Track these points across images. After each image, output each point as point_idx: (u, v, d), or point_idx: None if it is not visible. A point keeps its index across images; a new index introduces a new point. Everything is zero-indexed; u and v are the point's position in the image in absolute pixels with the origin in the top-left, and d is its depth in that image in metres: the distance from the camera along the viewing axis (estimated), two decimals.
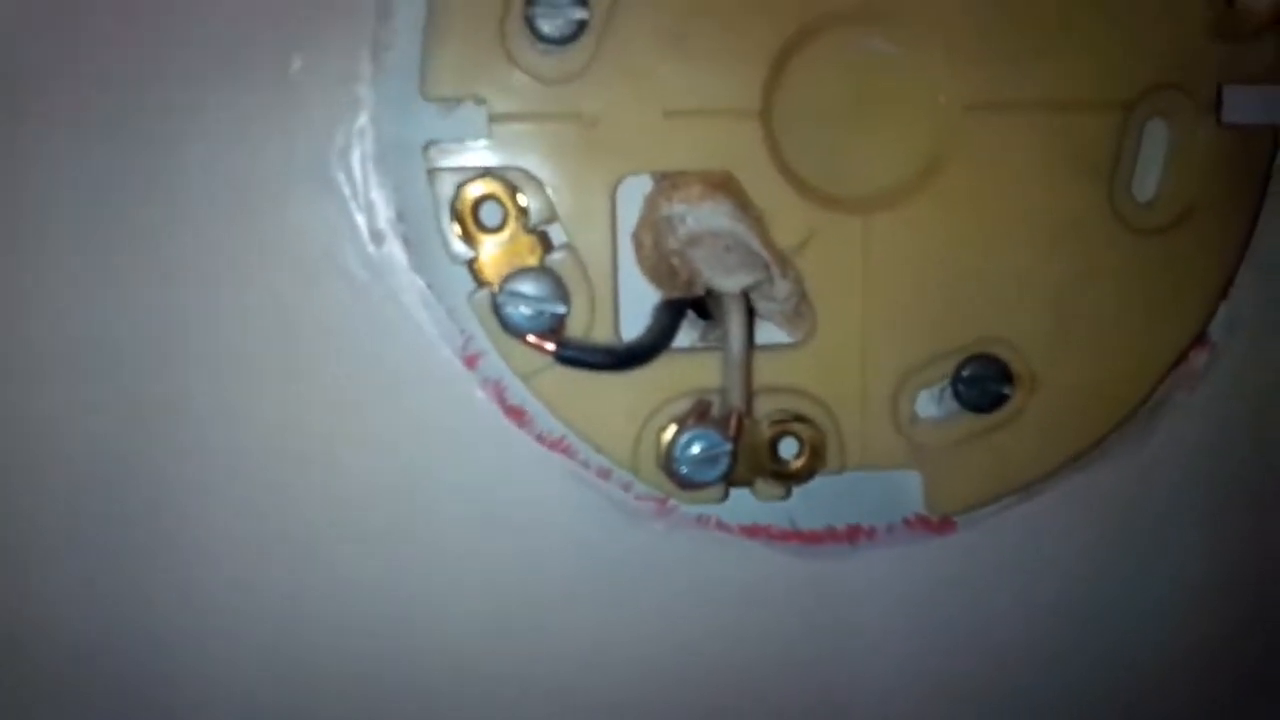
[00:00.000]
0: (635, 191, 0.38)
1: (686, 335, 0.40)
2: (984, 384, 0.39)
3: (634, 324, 0.38)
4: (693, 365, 0.39)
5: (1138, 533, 0.43)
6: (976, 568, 0.42)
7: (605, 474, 0.41)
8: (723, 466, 0.37)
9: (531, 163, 0.37)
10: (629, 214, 0.38)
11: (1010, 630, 0.43)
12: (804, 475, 0.39)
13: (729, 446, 0.37)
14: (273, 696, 0.42)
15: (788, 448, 0.39)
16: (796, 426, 0.39)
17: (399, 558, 0.41)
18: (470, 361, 0.39)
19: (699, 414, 0.38)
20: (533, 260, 0.37)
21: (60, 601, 0.40)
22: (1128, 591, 0.44)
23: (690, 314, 0.40)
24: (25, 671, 0.41)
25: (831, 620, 0.43)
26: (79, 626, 0.41)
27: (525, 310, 0.36)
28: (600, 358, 0.37)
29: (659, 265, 0.38)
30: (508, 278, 0.37)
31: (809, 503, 0.41)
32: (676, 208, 0.37)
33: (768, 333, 0.40)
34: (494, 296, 0.36)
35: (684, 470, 0.37)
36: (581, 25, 0.35)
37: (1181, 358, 0.41)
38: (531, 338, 0.37)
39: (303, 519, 0.40)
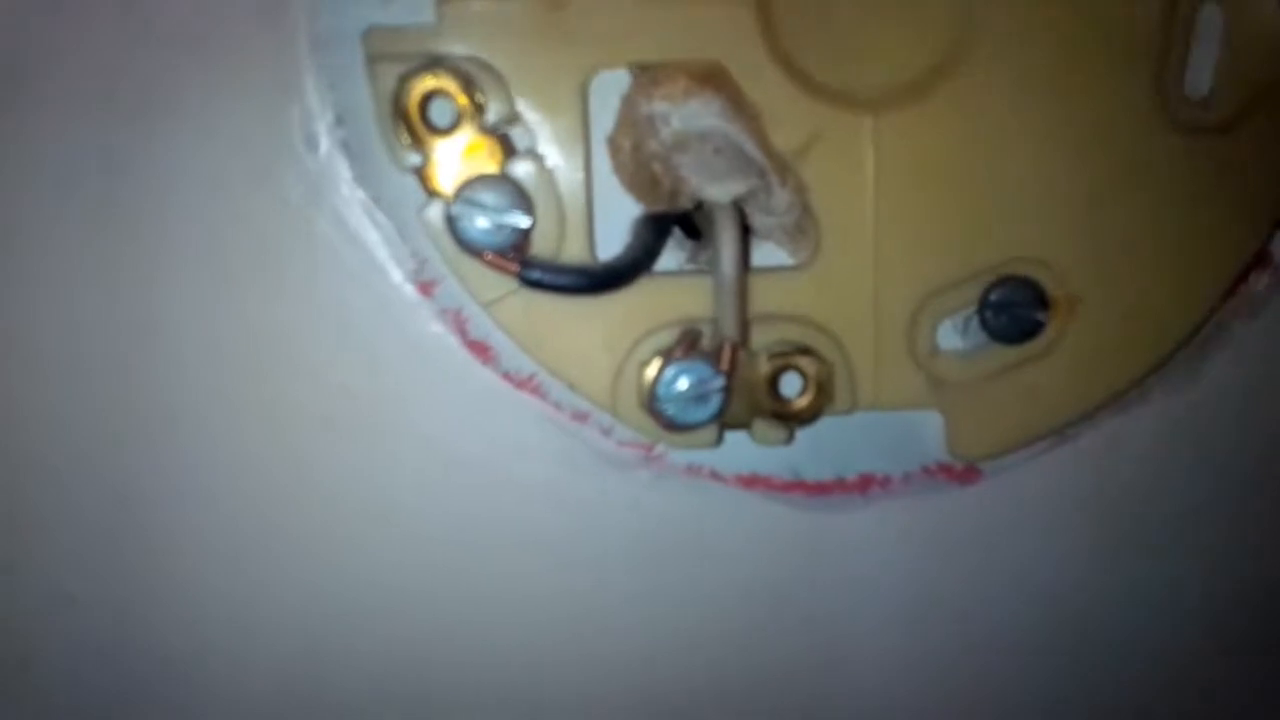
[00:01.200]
0: (611, 88, 0.34)
1: (673, 256, 0.36)
2: (1015, 310, 0.35)
3: (611, 242, 0.34)
4: (679, 290, 0.35)
5: (1186, 480, 0.39)
6: (1005, 521, 0.38)
7: (582, 417, 0.37)
8: (714, 405, 0.33)
9: (489, 51, 0.32)
10: (605, 114, 0.34)
11: (1039, 588, 0.40)
12: (808, 416, 0.35)
13: (722, 382, 0.33)
14: (235, 646, 0.39)
15: (790, 384, 0.35)
16: (799, 360, 0.35)
17: (350, 513, 0.38)
18: (425, 288, 0.36)
19: (687, 345, 0.34)
20: (492, 166, 0.33)
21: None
22: (1171, 548, 0.40)
23: (677, 232, 0.36)
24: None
25: (839, 580, 0.39)
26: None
27: (484, 223, 0.32)
28: (571, 280, 0.33)
29: (639, 173, 0.34)
30: (463, 186, 0.32)
31: (815, 448, 0.37)
32: (658, 105, 0.33)
33: (766, 253, 0.36)
34: (447, 208, 0.32)
35: (670, 410, 0.33)
36: None
37: (1240, 280, 0.37)
38: (491, 256, 0.32)
39: (246, 470, 0.37)
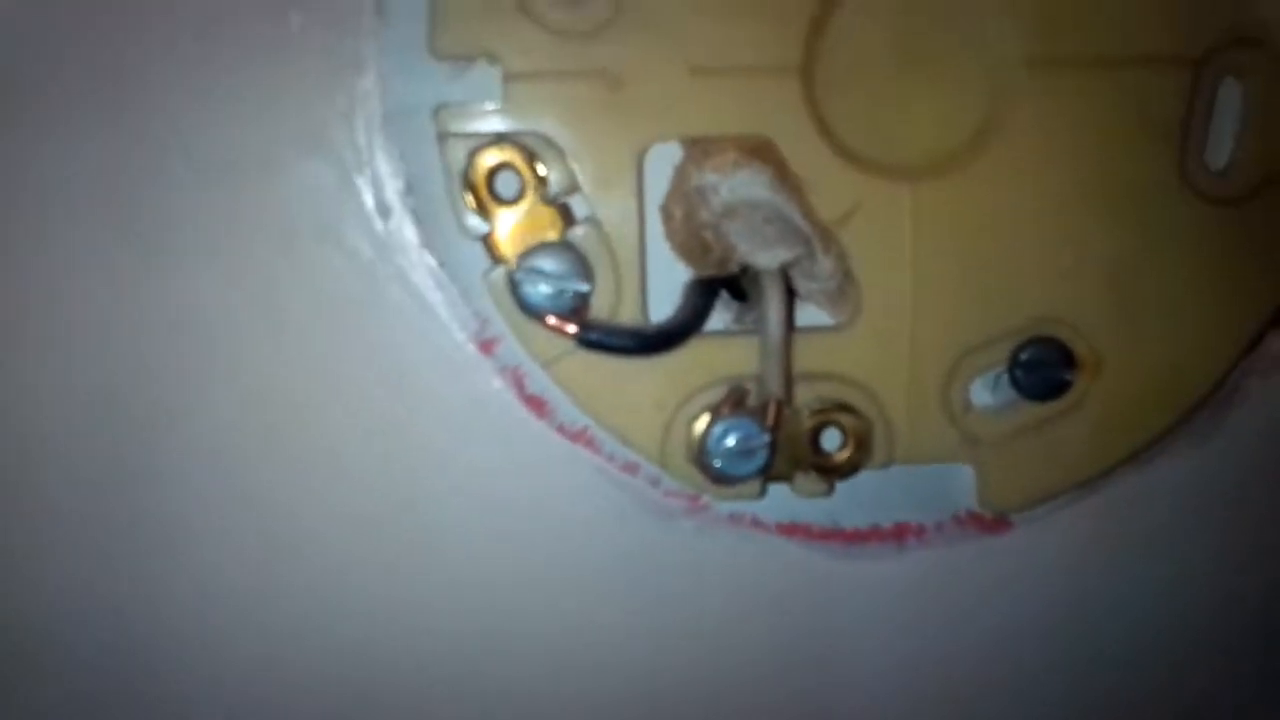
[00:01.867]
0: (665, 160, 0.35)
1: (720, 318, 0.37)
2: (1044, 369, 0.37)
3: (663, 305, 0.36)
4: (727, 350, 0.36)
5: (1208, 531, 0.40)
6: (1033, 569, 0.39)
7: (632, 468, 0.38)
8: (760, 459, 0.34)
9: (550, 127, 0.34)
10: (658, 184, 0.35)
11: (1068, 636, 0.41)
12: (848, 469, 0.37)
13: (767, 438, 0.34)
14: (275, 695, 0.40)
15: (830, 439, 0.37)
16: (840, 416, 0.36)
17: (409, 558, 0.39)
18: (486, 347, 0.37)
19: (734, 402, 0.35)
20: (553, 234, 0.34)
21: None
22: (1194, 595, 0.41)
23: (724, 295, 0.37)
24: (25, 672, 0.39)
25: (876, 625, 0.40)
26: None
27: (545, 289, 0.33)
28: (626, 341, 0.35)
29: (690, 240, 0.35)
30: (525, 253, 0.34)
31: (852, 499, 0.38)
32: (709, 177, 0.34)
33: (808, 315, 0.37)
34: (510, 274, 0.34)
35: (718, 464, 0.34)
36: None
37: (1257, 340, 0.38)
38: (552, 319, 0.34)
39: (305, 517, 0.38)
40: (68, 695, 0.39)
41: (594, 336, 0.34)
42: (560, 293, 0.34)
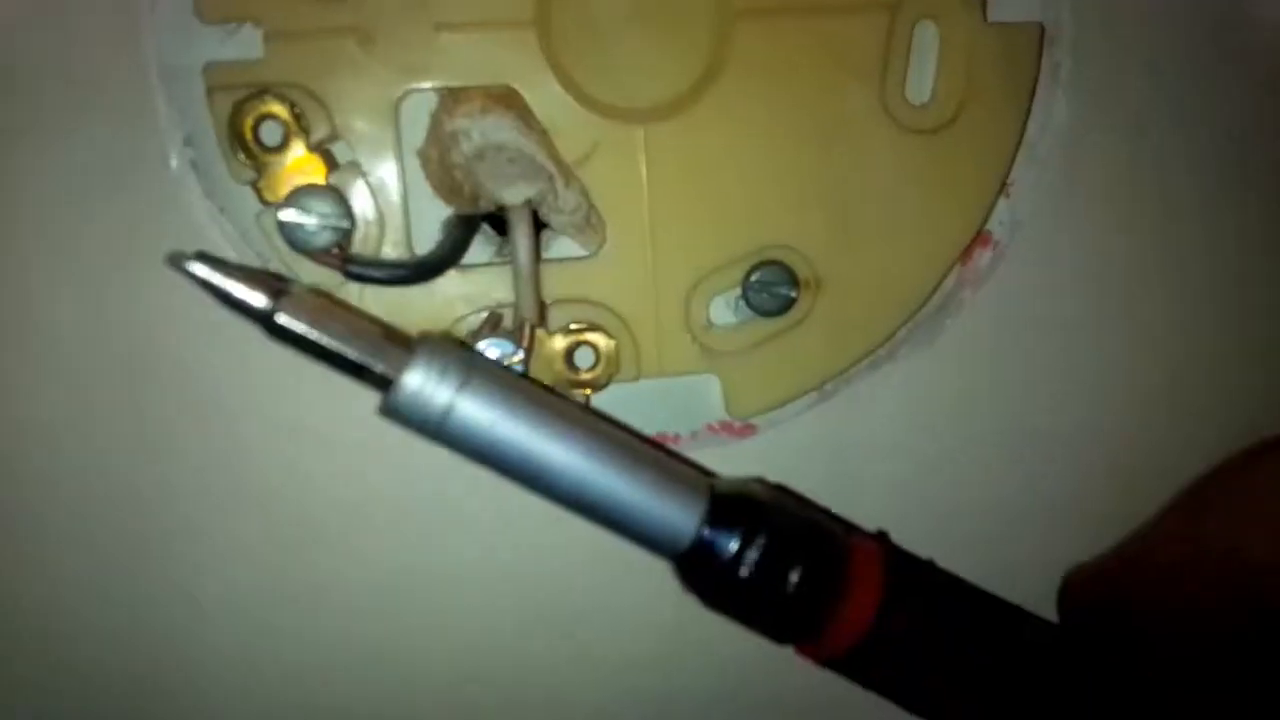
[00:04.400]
0: (421, 107, 0.39)
1: (484, 251, 0.40)
2: (772, 289, 0.41)
3: (426, 240, 0.39)
4: (488, 280, 0.40)
5: (930, 430, 0.45)
6: (778, 469, 0.43)
7: None
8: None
9: (309, 79, 0.37)
10: (416, 130, 0.39)
11: None
12: (600, 383, 0.41)
13: (520, 355, 0.37)
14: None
15: (583, 357, 0.40)
16: (590, 336, 0.40)
17: (216, 477, 0.41)
18: None
19: (491, 325, 0.39)
20: (318, 178, 0.38)
21: None
22: (923, 484, 0.45)
23: (489, 230, 0.40)
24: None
25: None
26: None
27: (309, 227, 0.37)
28: (388, 272, 0.38)
29: (445, 180, 0.39)
30: (290, 195, 0.37)
31: (615, 412, 0.42)
32: (460, 122, 0.38)
33: (563, 247, 0.41)
34: (278, 215, 0.37)
35: None
36: None
37: (965, 255, 0.43)
38: (319, 255, 0.37)
39: (113, 452, 0.40)
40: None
41: (357, 269, 0.38)
42: (323, 229, 0.37)
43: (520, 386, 0.32)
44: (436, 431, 0.31)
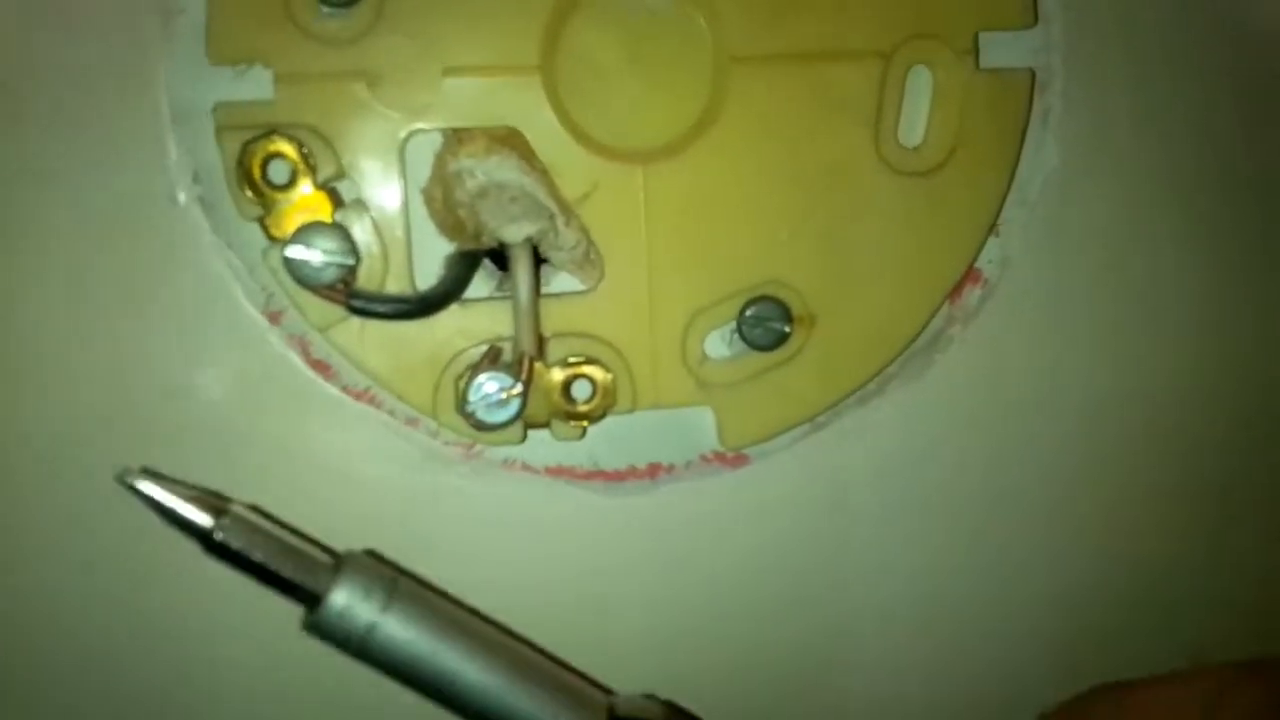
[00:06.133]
0: (426, 147, 0.40)
1: (485, 286, 0.41)
2: (766, 324, 0.42)
3: (429, 276, 0.40)
4: (489, 314, 0.41)
5: (919, 462, 0.46)
6: (770, 498, 0.44)
7: (413, 422, 0.42)
8: (514, 408, 0.39)
9: (318, 120, 0.38)
10: (420, 169, 0.40)
11: (805, 558, 0.46)
12: (597, 415, 0.41)
13: (519, 388, 0.39)
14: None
15: (581, 390, 0.41)
16: (588, 369, 0.41)
17: None
18: (273, 318, 0.41)
19: (491, 359, 0.40)
20: (322, 215, 0.38)
21: None
22: (910, 517, 0.46)
23: (491, 266, 0.41)
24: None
25: (637, 553, 0.45)
26: None
27: (314, 263, 0.38)
28: (391, 307, 0.39)
29: (449, 218, 0.40)
30: (296, 232, 0.38)
31: (610, 443, 0.43)
32: (464, 162, 0.39)
33: (562, 282, 0.42)
34: (282, 251, 0.38)
35: (477, 413, 0.39)
36: None
37: (955, 292, 0.44)
38: (323, 290, 0.38)
39: (106, 479, 0.41)
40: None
41: (360, 303, 0.39)
42: (328, 266, 0.38)
43: (441, 608, 0.36)
44: (359, 648, 0.34)
